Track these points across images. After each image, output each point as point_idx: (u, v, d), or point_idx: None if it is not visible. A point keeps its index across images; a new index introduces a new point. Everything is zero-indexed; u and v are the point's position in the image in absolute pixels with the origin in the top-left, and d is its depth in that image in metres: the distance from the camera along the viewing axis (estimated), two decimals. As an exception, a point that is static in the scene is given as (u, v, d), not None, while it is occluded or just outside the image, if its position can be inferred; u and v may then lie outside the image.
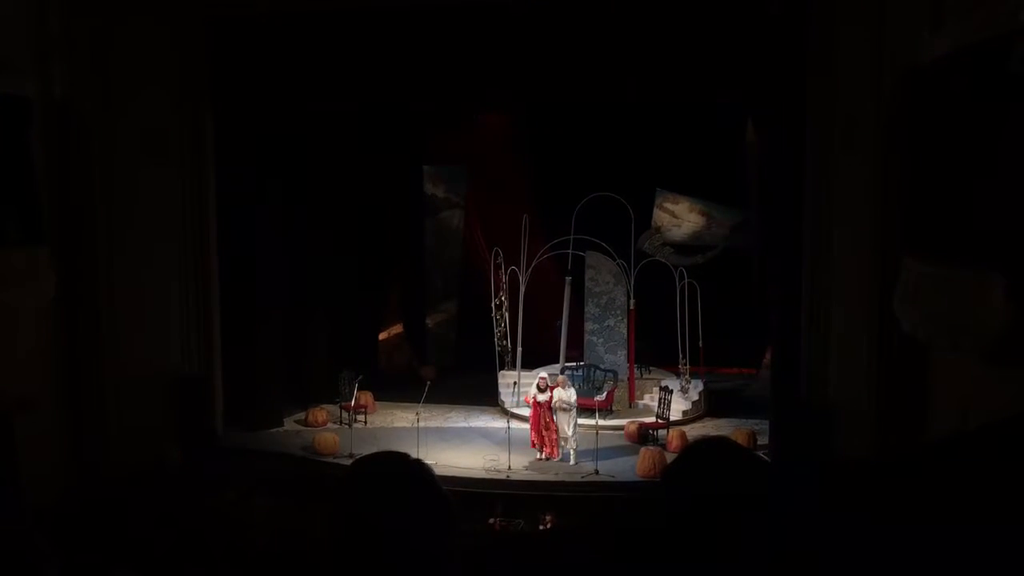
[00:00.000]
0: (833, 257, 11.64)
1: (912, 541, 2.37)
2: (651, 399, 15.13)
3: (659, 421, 14.12)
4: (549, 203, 17.10)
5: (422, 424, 13.13)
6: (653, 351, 16.45)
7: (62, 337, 12.15)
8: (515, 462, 12.62)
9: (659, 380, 15.43)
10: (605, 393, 14.95)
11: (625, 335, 15.91)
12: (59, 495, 11.11)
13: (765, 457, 11.69)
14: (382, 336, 18.53)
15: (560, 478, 12.43)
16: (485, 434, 14.20)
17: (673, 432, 13.63)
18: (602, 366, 15.85)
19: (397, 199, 17.94)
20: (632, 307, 15.80)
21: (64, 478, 11.81)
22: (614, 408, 15.04)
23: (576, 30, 12.57)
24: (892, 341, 10.27)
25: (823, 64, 11.52)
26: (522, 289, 16.18)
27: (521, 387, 15.02)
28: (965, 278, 7.15)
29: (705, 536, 1.93)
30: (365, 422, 14.83)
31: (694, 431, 14.11)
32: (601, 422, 13.17)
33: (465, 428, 14.69)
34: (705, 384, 15.92)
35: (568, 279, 16.31)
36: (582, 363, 16.06)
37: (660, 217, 17.40)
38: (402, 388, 15.88)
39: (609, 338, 16.08)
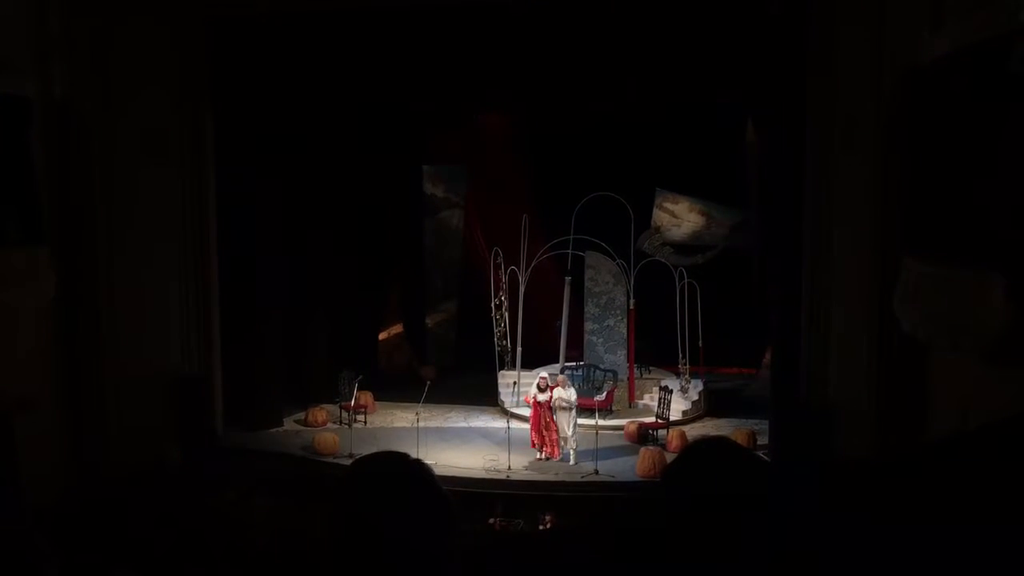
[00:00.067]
0: (833, 257, 11.63)
1: (912, 541, 2.37)
2: (651, 399, 15.13)
3: (659, 421, 14.12)
4: (549, 203, 17.10)
5: (422, 424, 13.13)
6: (653, 351, 16.45)
7: (62, 337, 12.14)
8: (515, 462, 12.63)
9: (659, 380, 15.43)
10: (605, 393, 14.95)
11: (625, 335, 15.91)
12: (59, 495, 11.11)
13: (765, 457, 11.69)
14: (382, 336, 18.53)
15: (560, 478, 12.43)
16: (485, 434, 14.20)
17: (673, 432, 13.63)
18: (602, 366, 15.85)
19: (397, 199, 17.93)
20: (632, 307, 15.80)
21: (64, 478, 11.81)
22: (614, 408, 15.04)
23: (576, 30, 12.57)
24: (892, 341, 10.27)
25: (823, 64, 11.52)
26: (522, 289, 16.18)
27: (521, 387, 15.02)
28: (965, 278, 7.15)
29: (705, 536, 1.93)
30: (365, 422, 14.83)
31: (694, 431, 14.11)
32: (601, 422, 13.17)
33: (465, 428, 14.69)
34: (705, 384, 15.92)
35: (568, 279, 16.31)
36: (582, 363, 16.06)
37: (660, 217, 17.40)
38: (402, 388, 15.87)
39: (609, 338, 16.08)
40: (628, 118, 15.71)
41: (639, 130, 16.19)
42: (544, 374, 13.40)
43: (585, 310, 16.26)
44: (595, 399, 14.29)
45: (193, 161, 13.20)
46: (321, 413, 14.79)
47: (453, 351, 18.68)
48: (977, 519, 2.36)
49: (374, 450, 2.43)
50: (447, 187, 18.73)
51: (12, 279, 10.15)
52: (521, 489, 12.14)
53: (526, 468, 12.71)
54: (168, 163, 12.97)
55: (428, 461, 2.18)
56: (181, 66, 12.92)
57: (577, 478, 12.39)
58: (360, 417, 14.75)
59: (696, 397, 15.37)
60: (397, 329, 18.88)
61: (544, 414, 12.95)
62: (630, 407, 15.41)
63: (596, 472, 12.45)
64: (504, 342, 16.53)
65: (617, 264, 15.93)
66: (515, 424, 13.74)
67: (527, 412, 13.66)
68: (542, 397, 12.92)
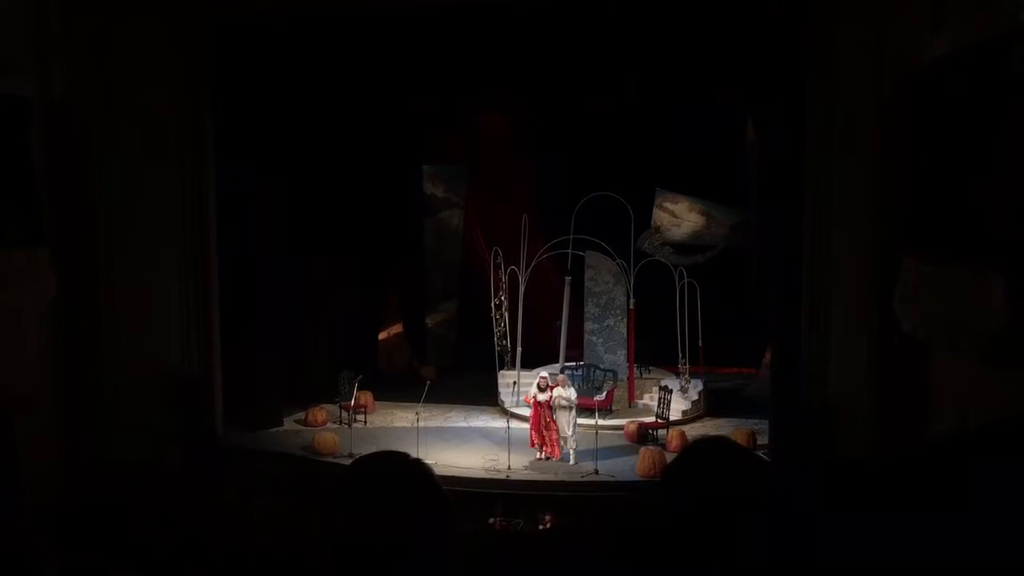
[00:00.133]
0: (833, 257, 11.64)
1: (912, 541, 2.37)
2: (651, 399, 15.14)
3: (659, 421, 14.13)
4: (549, 203, 17.10)
5: (422, 424, 13.14)
6: (653, 351, 16.45)
7: (62, 337, 12.14)
8: (515, 462, 12.63)
9: (659, 380, 15.44)
10: (605, 393, 14.96)
11: (625, 335, 15.91)
12: (59, 495, 11.11)
13: (765, 457, 11.69)
14: (382, 336, 18.53)
15: (560, 478, 12.43)
16: (485, 434, 14.20)
17: (673, 432, 13.63)
18: (602, 366, 15.86)
19: (397, 199, 17.93)
20: (632, 307, 15.81)
21: (64, 478, 11.82)
22: (614, 408, 15.04)
23: (576, 30, 12.57)
24: (892, 341, 10.27)
25: (823, 64, 11.52)
26: (522, 289, 16.18)
27: (521, 387, 15.03)
28: (965, 278, 7.15)
29: (705, 536, 1.93)
30: (365, 422, 14.83)
31: (694, 431, 14.11)
32: (601, 422, 13.17)
33: (465, 428, 14.70)
34: (705, 384, 15.92)
35: (568, 279, 16.31)
36: (582, 363, 16.06)
37: (660, 217, 17.40)
38: (402, 388, 15.88)
39: (609, 338, 16.08)
40: (628, 118, 15.71)
41: (639, 130, 16.19)
42: (544, 374, 13.41)
43: (585, 310, 16.26)
44: (595, 399, 14.29)
45: (193, 161, 13.20)
46: (321, 413, 14.80)
47: (453, 351, 18.68)
48: (977, 519, 2.36)
49: (374, 450, 2.42)
50: (447, 187, 18.73)
51: (12, 279, 10.15)
52: (521, 489, 12.15)
53: (526, 468, 12.71)
54: (168, 163, 12.97)
55: (428, 461, 2.18)
56: (181, 66, 12.92)
57: (577, 478, 12.40)
58: (360, 417, 14.75)
59: (696, 397, 15.38)
60: (397, 329, 18.88)
61: (544, 414, 12.95)
62: (630, 407, 15.41)
63: (596, 472, 12.45)
64: (504, 342, 16.54)
65: (617, 264, 15.93)
66: (515, 424, 13.75)
67: (527, 412, 13.66)
68: (542, 397, 12.92)
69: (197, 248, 13.35)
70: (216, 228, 13.65)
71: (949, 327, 7.45)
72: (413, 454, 2.19)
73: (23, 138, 10.72)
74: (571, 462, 12.81)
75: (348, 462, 4.47)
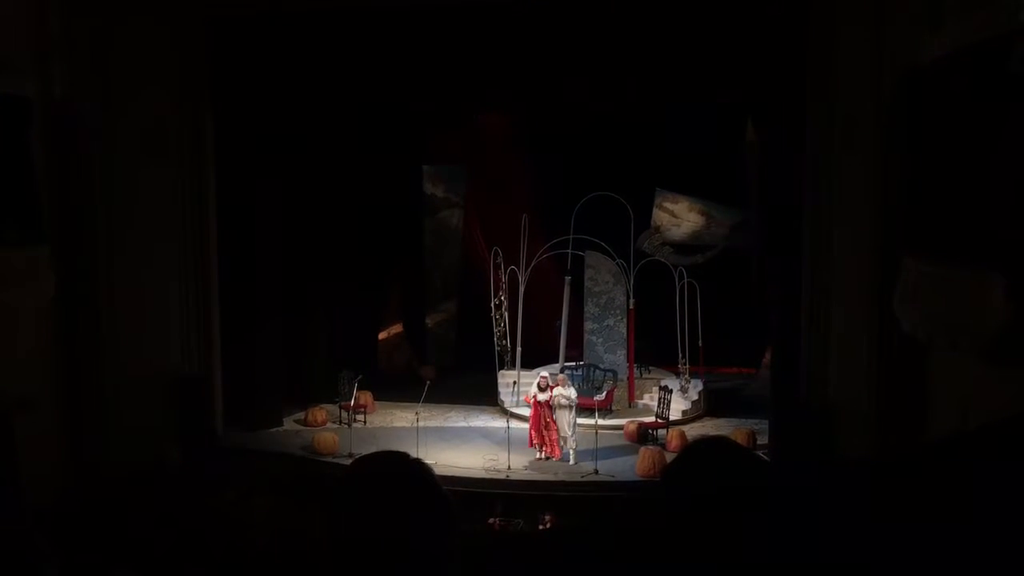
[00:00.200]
0: (833, 257, 11.64)
1: (912, 541, 2.37)
2: (651, 399, 15.13)
3: (659, 421, 14.12)
4: (549, 203, 17.10)
5: (422, 424, 13.14)
6: (653, 351, 16.45)
7: (62, 337, 12.15)
8: (515, 462, 12.63)
9: (659, 380, 15.43)
10: (605, 393, 14.95)
11: (624, 335, 15.91)
12: (59, 495, 11.11)
13: (765, 457, 11.69)
14: (382, 336, 18.53)
15: (560, 478, 12.43)
16: (485, 434, 14.20)
17: (673, 432, 13.63)
18: (602, 366, 15.85)
19: (397, 199, 17.93)
20: (632, 307, 15.81)
21: (64, 478, 11.81)
22: (614, 408, 15.04)
23: (576, 30, 12.57)
24: (892, 341, 10.28)
25: (823, 64, 11.52)
26: (522, 289, 16.18)
27: (521, 387, 15.03)
28: (965, 278, 7.16)
29: (705, 536, 1.93)
30: (365, 422, 14.83)
31: (694, 431, 14.11)
32: (601, 422, 13.17)
33: (465, 428, 14.70)
34: (705, 384, 15.92)
35: (567, 279, 16.31)
36: (582, 363, 16.06)
37: (660, 217, 17.39)
38: (402, 388, 15.87)
39: (608, 338, 16.08)
40: (628, 118, 15.71)
41: (639, 130, 16.19)
42: (545, 374, 13.40)
43: (585, 310, 16.26)
44: (595, 399, 14.29)
45: (193, 161, 13.19)
46: (321, 413, 14.79)
47: (453, 351, 18.68)
48: (977, 519, 2.36)
49: (374, 450, 2.42)
50: (447, 187, 18.73)
51: (12, 279, 10.16)
52: (521, 489, 12.14)
53: (526, 468, 12.71)
54: (168, 163, 12.97)
55: (428, 461, 2.18)
56: (181, 66, 12.91)
57: (577, 478, 12.39)
58: (360, 417, 14.75)
59: (696, 397, 15.37)
60: (397, 329, 18.88)
61: (544, 414, 12.95)
62: (630, 407, 15.41)
63: (596, 472, 12.45)
64: (504, 342, 16.54)
65: (617, 264, 15.93)
66: (515, 424, 13.74)
67: (527, 412, 13.66)
68: (542, 397, 12.92)
69: (197, 248, 13.34)
70: (216, 228, 13.65)
71: (949, 327, 7.45)
72: (413, 454, 2.19)
73: (23, 138, 10.73)
74: (571, 462, 12.81)
75: (348, 462, 4.47)
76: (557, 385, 13.00)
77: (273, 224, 14.64)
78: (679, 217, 17.42)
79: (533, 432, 13.11)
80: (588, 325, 16.19)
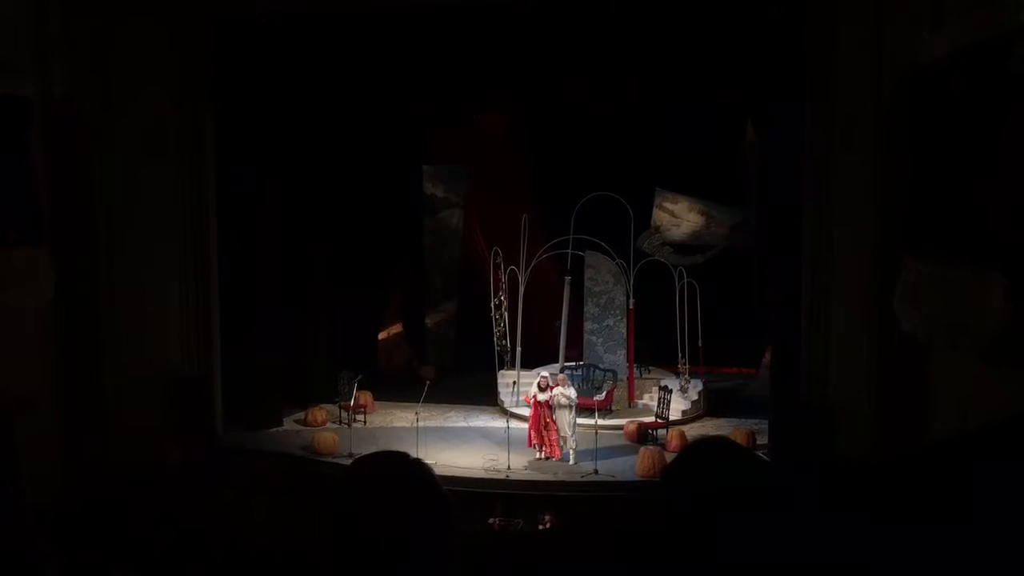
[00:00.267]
0: (833, 257, 11.63)
1: (912, 541, 2.37)
2: (650, 399, 15.13)
3: (658, 421, 14.12)
4: (549, 203, 17.10)
5: (422, 424, 13.14)
6: (652, 351, 16.45)
7: (62, 337, 12.14)
8: (515, 462, 12.63)
9: (658, 380, 15.43)
10: (604, 393, 14.95)
11: (624, 335, 15.92)
12: (59, 495, 11.10)
13: (765, 457, 11.69)
14: (382, 336, 18.53)
15: (560, 478, 12.43)
16: (485, 434, 14.20)
17: (672, 432, 13.63)
18: (601, 366, 15.86)
19: (397, 199, 17.94)
20: (631, 307, 15.81)
21: (64, 478, 11.81)
22: (613, 408, 15.04)
23: (576, 30, 12.57)
24: (892, 341, 10.27)
25: (823, 64, 11.52)
26: (521, 289, 16.18)
27: (520, 387, 15.03)
28: (965, 278, 7.15)
29: (705, 536, 1.93)
30: (364, 422, 14.83)
31: (693, 431, 14.11)
32: (601, 422, 13.17)
33: (465, 428, 14.70)
34: (704, 384, 15.92)
35: (567, 279, 16.31)
36: (581, 363, 16.06)
37: (659, 217, 17.40)
38: (402, 388, 15.88)
39: (608, 338, 16.09)
40: (628, 118, 15.71)
41: (639, 130, 16.19)
42: (545, 373, 13.40)
43: (585, 310, 16.26)
44: (595, 399, 14.29)
45: (193, 161, 13.19)
46: (321, 413, 14.80)
47: (453, 351, 18.68)
48: (977, 519, 2.36)
49: (374, 450, 2.42)
50: (447, 187, 18.73)
51: (12, 279, 10.15)
52: (521, 489, 12.14)
53: (526, 468, 12.71)
54: (168, 163, 12.97)
55: (428, 461, 2.18)
56: (181, 66, 12.91)
57: (577, 478, 12.39)
58: (360, 417, 14.75)
59: (696, 397, 15.37)
60: (397, 329, 18.88)
61: (544, 414, 12.95)
62: (630, 407, 15.41)
63: (596, 472, 12.45)
64: (504, 342, 16.54)
65: (617, 264, 15.94)
66: (515, 424, 13.74)
67: (527, 412, 13.66)
68: (542, 397, 12.92)
69: (197, 248, 13.34)
70: (216, 228, 13.65)
71: (949, 327, 7.45)
72: (413, 454, 2.19)
73: (23, 138, 10.72)
74: (571, 462, 12.81)
75: (348, 462, 4.48)
76: (557, 385, 13.00)
77: (273, 224, 14.65)
78: (679, 217, 17.43)
79: (532, 432, 13.10)
80: (588, 325, 16.19)
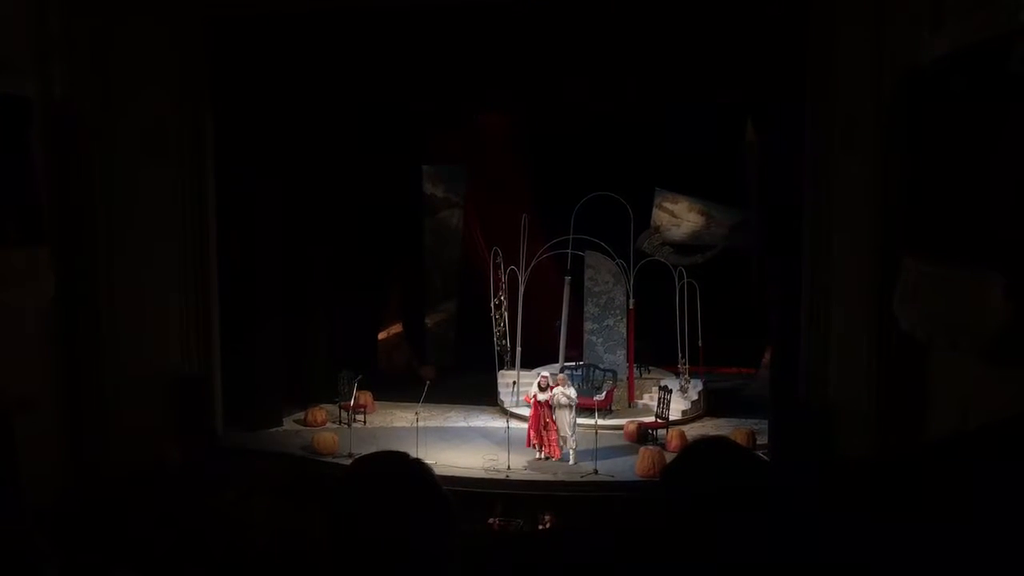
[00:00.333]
0: (833, 257, 11.64)
1: (912, 541, 2.37)
2: (650, 399, 15.14)
3: (658, 421, 14.12)
4: (548, 203, 17.09)
5: (421, 424, 13.14)
6: (652, 351, 16.45)
7: (62, 337, 12.14)
8: (515, 462, 12.63)
9: (658, 380, 15.43)
10: (604, 393, 14.96)
11: (624, 335, 15.92)
12: (59, 495, 11.10)
13: (765, 457, 11.69)
14: (381, 336, 18.53)
15: (559, 478, 12.43)
16: (485, 434, 14.20)
17: (672, 432, 13.63)
18: (601, 366, 15.86)
19: (397, 199, 17.94)
20: (631, 307, 15.81)
21: (64, 478, 11.81)
22: (613, 408, 15.04)
23: (576, 30, 12.57)
24: (892, 341, 10.27)
25: (823, 64, 11.52)
26: (521, 289, 16.18)
27: (520, 387, 15.03)
28: (964, 278, 7.16)
29: (705, 536, 1.93)
30: (364, 422, 14.83)
31: (693, 431, 14.11)
32: (601, 422, 13.17)
33: (465, 428, 14.70)
34: (704, 384, 15.92)
35: (567, 279, 16.31)
36: (581, 363, 16.06)
37: (659, 217, 17.40)
38: (401, 388, 15.88)
39: (608, 338, 16.09)
40: (628, 118, 15.71)
41: (639, 130, 16.19)
42: (545, 373, 13.40)
43: (585, 310, 16.26)
44: (595, 399, 14.29)
45: (193, 161, 13.20)
46: (320, 413, 14.80)
47: (452, 351, 18.68)
48: (977, 519, 2.36)
49: (374, 450, 2.42)
50: (447, 187, 18.73)
51: (12, 279, 10.15)
52: (521, 489, 12.15)
53: (526, 468, 12.71)
54: (168, 163, 12.97)
55: (428, 461, 2.18)
56: (181, 66, 12.92)
57: (577, 478, 12.39)
58: (360, 417, 14.75)
59: (696, 397, 15.38)
60: (397, 329, 18.89)
61: (544, 414, 12.95)
62: (630, 407, 15.41)
63: (596, 472, 12.45)
64: (504, 342, 16.54)
65: (617, 264, 15.94)
66: (515, 424, 13.74)
67: (527, 412, 13.65)
68: (542, 396, 12.92)
69: (197, 248, 13.34)
70: (216, 228, 13.65)
71: (949, 327, 7.45)
72: (413, 454, 2.19)
73: (23, 138, 10.72)
74: (571, 462, 12.81)
75: (348, 462, 4.47)
76: (557, 385, 13.00)
77: (273, 224, 14.65)
78: (679, 217, 17.43)
79: (532, 432, 13.10)
80: (588, 325, 16.19)
